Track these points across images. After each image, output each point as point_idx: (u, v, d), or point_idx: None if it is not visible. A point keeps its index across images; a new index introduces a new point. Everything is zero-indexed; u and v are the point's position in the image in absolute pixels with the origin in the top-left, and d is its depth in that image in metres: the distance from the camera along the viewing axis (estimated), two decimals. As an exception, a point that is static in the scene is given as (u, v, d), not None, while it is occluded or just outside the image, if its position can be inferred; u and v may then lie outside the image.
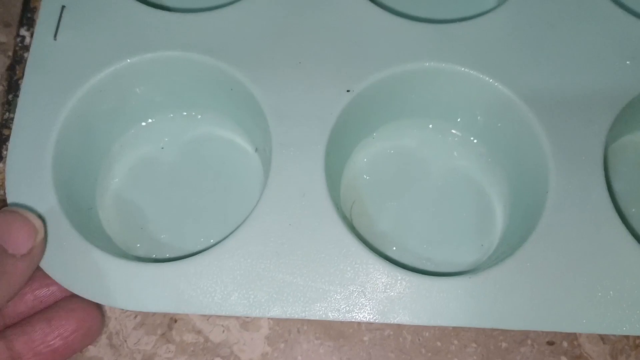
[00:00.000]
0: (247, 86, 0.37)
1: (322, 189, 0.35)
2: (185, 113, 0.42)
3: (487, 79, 0.37)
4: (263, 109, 0.37)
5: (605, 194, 0.35)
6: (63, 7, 0.39)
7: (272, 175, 0.35)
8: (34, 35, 0.39)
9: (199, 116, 0.42)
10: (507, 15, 0.39)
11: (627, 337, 0.37)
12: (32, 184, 0.35)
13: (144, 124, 0.42)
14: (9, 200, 0.35)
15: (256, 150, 0.41)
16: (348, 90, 0.37)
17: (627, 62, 0.38)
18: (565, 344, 0.37)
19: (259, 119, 0.37)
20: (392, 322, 0.33)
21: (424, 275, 0.34)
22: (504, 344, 0.37)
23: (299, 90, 0.37)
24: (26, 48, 0.44)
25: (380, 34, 0.39)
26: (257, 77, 0.37)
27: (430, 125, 0.42)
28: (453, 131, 0.42)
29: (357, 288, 0.33)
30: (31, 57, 0.38)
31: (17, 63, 0.44)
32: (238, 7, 0.39)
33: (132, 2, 0.40)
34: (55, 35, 0.38)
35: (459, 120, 0.41)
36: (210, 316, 0.37)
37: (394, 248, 0.39)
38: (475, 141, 0.41)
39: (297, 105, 0.37)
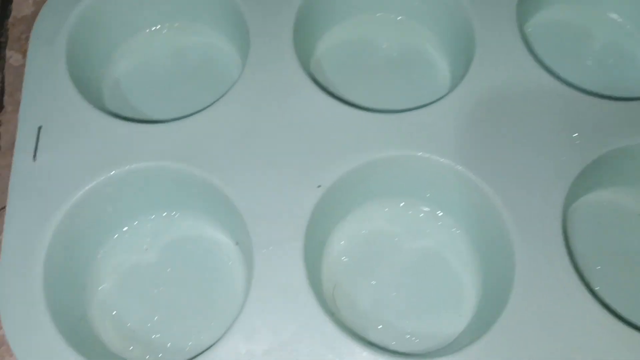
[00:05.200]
0: (222, 189, 0.39)
1: (303, 284, 0.37)
2: (164, 214, 0.44)
3: (446, 161, 0.40)
4: (239, 210, 0.39)
5: (568, 262, 0.37)
6: (40, 127, 0.41)
7: (256, 276, 0.37)
8: (14, 157, 0.40)
9: (177, 215, 0.44)
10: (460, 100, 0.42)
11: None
12: (25, 304, 0.37)
13: (125, 228, 0.43)
14: (4, 324, 0.37)
15: (237, 243, 0.43)
16: (319, 186, 0.39)
17: (574, 135, 0.41)
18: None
19: (236, 218, 0.39)
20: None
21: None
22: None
23: (272, 189, 0.39)
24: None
25: (344, 127, 0.41)
26: (230, 180, 0.39)
27: (402, 204, 0.44)
28: (422, 208, 0.44)
29: (345, 376, 0.35)
30: (12, 179, 0.40)
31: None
32: (207, 113, 0.42)
33: (105, 117, 0.42)
34: (34, 156, 0.40)
35: (428, 195, 0.44)
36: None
37: (380, 327, 0.41)
38: (441, 214, 0.44)
39: (271, 205, 0.39)
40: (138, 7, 0.48)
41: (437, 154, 0.41)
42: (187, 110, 0.45)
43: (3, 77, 0.48)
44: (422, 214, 0.44)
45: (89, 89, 0.45)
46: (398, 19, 0.50)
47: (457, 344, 0.39)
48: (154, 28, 0.50)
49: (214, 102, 0.42)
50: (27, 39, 0.49)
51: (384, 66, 0.49)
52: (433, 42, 0.49)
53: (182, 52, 0.49)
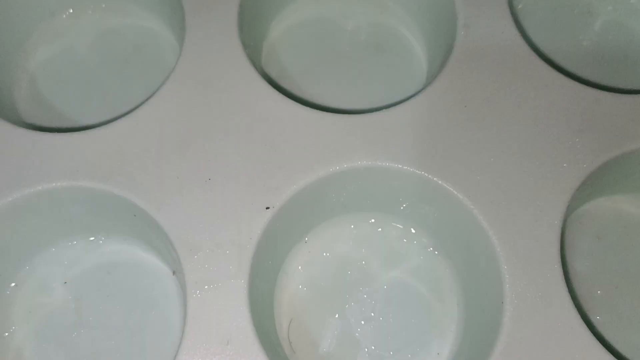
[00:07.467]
0: (151, 214, 0.32)
1: (249, 334, 0.30)
2: (90, 238, 0.36)
3: (423, 174, 0.33)
4: (171, 240, 0.32)
5: (567, 298, 0.31)
6: None
7: (189, 323, 0.30)
8: None
9: (101, 240, 0.36)
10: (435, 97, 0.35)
11: None
12: None
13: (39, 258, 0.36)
14: None
15: (174, 273, 0.36)
16: (267, 207, 0.32)
17: (576, 139, 0.34)
18: None
19: (169, 246, 0.32)
20: None
21: None
22: None
23: (211, 213, 0.32)
24: None
25: (297, 132, 0.34)
26: (160, 202, 0.32)
27: (372, 220, 0.37)
28: (394, 224, 0.37)
29: None
30: None
31: None
32: (130, 119, 0.34)
33: (11, 127, 0.34)
34: None
35: (402, 207, 0.37)
36: None
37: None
38: (420, 235, 0.37)
39: (209, 233, 0.32)
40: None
41: (404, 162, 0.33)
42: (118, 111, 0.39)
43: None
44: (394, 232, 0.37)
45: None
46: (367, -6, 0.43)
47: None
48: (74, 9, 0.42)
49: (141, 103, 0.35)
50: None
51: (350, 53, 0.41)
52: (408, 22, 0.42)
53: (110, 38, 0.42)
